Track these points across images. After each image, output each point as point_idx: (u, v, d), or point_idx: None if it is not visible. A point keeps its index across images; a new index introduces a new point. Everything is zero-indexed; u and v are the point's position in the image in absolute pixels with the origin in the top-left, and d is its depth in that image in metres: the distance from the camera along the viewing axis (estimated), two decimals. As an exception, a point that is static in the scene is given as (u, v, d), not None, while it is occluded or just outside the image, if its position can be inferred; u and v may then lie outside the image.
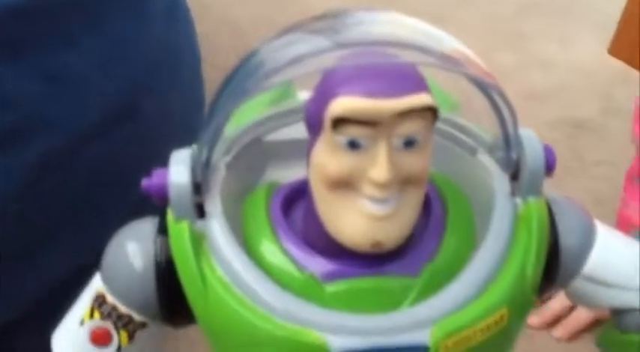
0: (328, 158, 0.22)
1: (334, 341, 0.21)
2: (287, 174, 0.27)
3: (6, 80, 0.44)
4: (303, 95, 0.27)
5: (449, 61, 0.21)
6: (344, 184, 0.22)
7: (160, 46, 0.58)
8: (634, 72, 1.27)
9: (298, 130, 0.26)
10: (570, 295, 0.27)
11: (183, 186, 0.23)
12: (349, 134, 0.21)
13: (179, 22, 0.65)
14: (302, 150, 0.24)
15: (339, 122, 0.21)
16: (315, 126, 0.22)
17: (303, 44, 0.21)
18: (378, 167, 0.21)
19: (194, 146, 0.24)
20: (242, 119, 0.27)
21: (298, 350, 0.21)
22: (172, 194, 0.23)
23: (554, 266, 0.25)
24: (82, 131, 0.48)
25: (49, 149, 0.46)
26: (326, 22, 0.22)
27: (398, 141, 0.21)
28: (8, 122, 0.44)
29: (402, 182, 0.22)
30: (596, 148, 0.99)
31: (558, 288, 0.26)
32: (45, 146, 0.46)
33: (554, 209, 0.25)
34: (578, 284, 0.26)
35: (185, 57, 0.66)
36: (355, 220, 0.22)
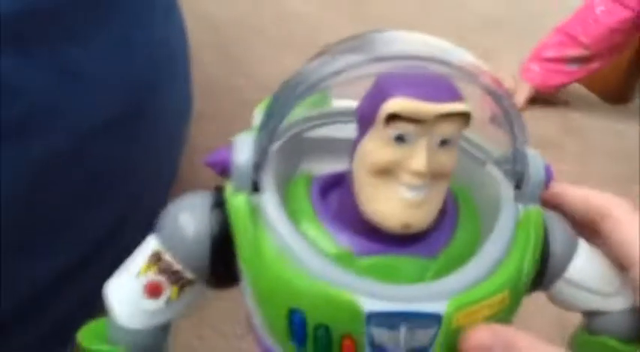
0: (377, 148, 0.26)
1: (366, 302, 0.24)
2: (319, 167, 0.31)
3: (16, 71, 0.44)
4: (337, 103, 0.32)
5: (468, 74, 0.26)
6: (386, 172, 0.26)
7: (159, 45, 0.59)
8: (590, 94, 1.34)
9: (332, 130, 0.31)
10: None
11: (246, 161, 0.26)
12: (398, 129, 0.25)
13: (175, 21, 0.66)
14: (334, 148, 0.29)
15: (392, 118, 0.25)
16: (366, 122, 0.26)
17: (340, 61, 0.25)
18: (419, 158, 0.25)
19: (254, 132, 0.27)
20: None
21: (336, 308, 0.25)
22: (236, 169, 0.26)
23: (543, 270, 0.29)
24: (91, 127, 0.48)
25: (57, 143, 0.47)
26: (354, 42, 0.27)
27: (436, 140, 0.26)
28: (17, 114, 0.45)
29: (433, 175, 0.26)
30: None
31: (543, 290, 0.31)
32: (53, 140, 0.46)
33: (546, 221, 0.29)
34: (559, 286, 0.30)
35: (179, 55, 0.67)
36: (391, 203, 0.26)
